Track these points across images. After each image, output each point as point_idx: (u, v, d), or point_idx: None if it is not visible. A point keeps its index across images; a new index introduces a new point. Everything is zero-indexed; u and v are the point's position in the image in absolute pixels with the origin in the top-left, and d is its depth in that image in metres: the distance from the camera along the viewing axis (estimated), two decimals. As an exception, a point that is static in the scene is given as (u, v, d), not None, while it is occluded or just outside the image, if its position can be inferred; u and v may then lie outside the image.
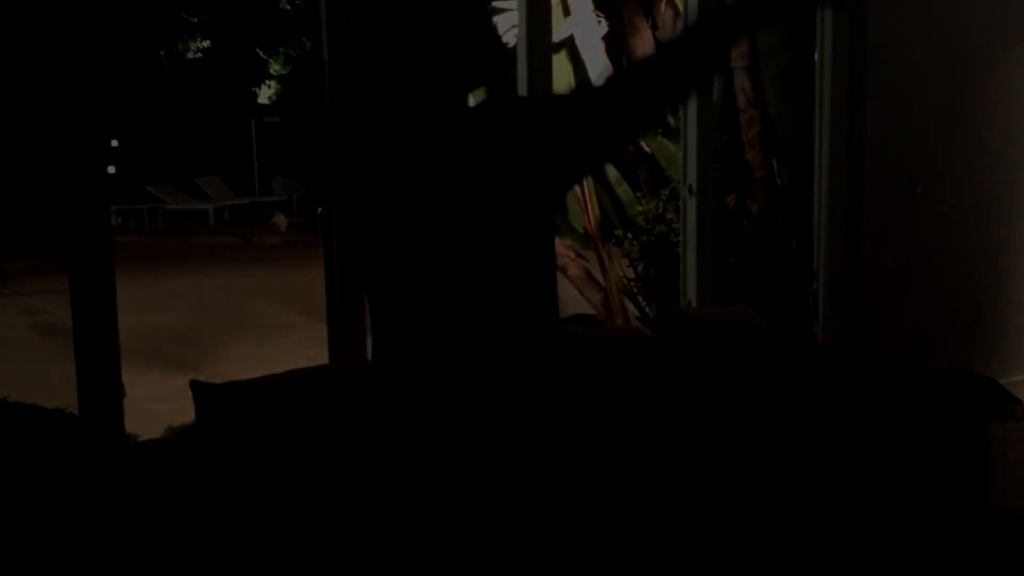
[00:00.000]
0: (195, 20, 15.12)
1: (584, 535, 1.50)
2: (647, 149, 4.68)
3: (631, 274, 4.65)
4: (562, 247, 4.61)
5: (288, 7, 14.68)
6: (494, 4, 4.30)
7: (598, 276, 4.74)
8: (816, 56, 4.14)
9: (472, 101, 1.63)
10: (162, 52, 14.91)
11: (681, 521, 2.52)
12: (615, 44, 4.75)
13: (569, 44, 4.63)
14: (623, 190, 4.78)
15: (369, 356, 2.71)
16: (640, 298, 4.67)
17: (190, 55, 15.61)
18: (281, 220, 15.57)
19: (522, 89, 3.30)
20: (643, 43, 4.61)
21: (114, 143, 14.97)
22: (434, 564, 1.47)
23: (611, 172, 4.77)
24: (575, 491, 1.50)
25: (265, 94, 16.89)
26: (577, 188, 4.63)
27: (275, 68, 16.17)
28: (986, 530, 2.96)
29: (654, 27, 4.67)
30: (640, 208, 4.63)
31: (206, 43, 15.65)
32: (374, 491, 1.52)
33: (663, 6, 4.63)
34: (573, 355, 1.64)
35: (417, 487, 1.46)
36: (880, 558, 2.67)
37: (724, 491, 2.66)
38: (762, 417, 3.09)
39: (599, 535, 1.57)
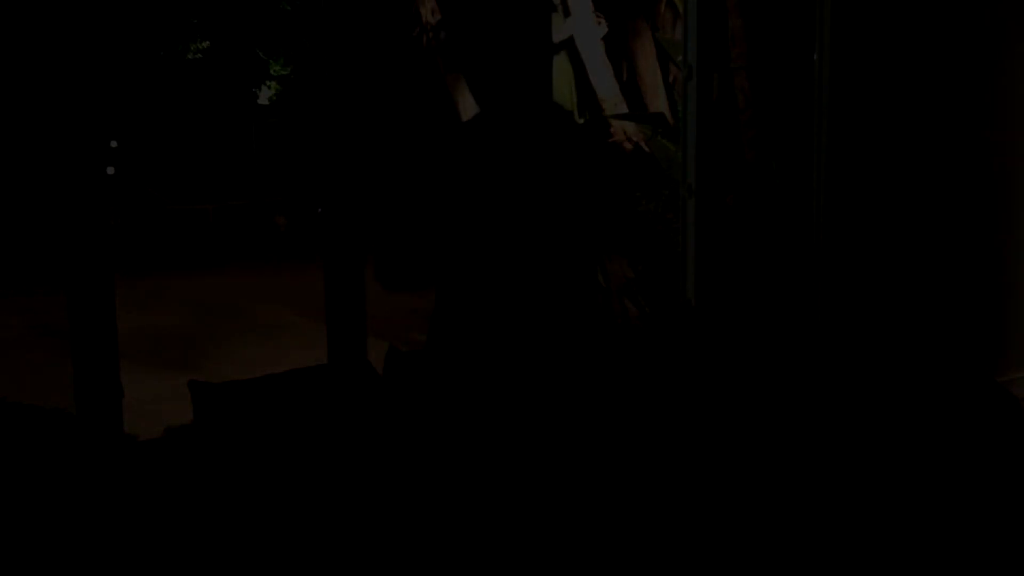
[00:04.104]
0: (195, 20, 15.11)
1: (583, 534, 1.51)
2: (647, 149, 4.68)
3: (631, 274, 4.64)
4: (562, 247, 4.60)
5: (288, 7, 14.68)
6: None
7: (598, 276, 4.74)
8: (815, 56, 4.14)
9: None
10: (162, 52, 14.91)
11: (682, 521, 2.52)
12: (615, 45, 4.75)
13: (569, 45, 4.63)
14: (623, 190, 4.78)
15: (369, 355, 2.72)
16: (640, 298, 4.67)
17: (190, 55, 15.60)
18: (281, 220, 15.56)
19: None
20: (643, 45, 4.60)
21: (114, 143, 14.98)
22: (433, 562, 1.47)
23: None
24: (574, 485, 1.50)
25: (265, 94, 16.89)
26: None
27: (275, 68, 16.17)
28: (985, 529, 2.95)
29: (654, 29, 4.67)
30: (640, 208, 4.63)
31: (206, 43, 15.65)
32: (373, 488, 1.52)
33: (663, 7, 4.63)
34: None
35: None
36: (878, 560, 2.67)
37: (725, 491, 2.66)
38: (761, 416, 3.09)
39: (598, 534, 1.57)
